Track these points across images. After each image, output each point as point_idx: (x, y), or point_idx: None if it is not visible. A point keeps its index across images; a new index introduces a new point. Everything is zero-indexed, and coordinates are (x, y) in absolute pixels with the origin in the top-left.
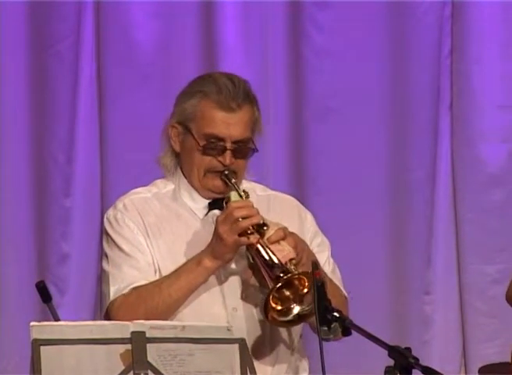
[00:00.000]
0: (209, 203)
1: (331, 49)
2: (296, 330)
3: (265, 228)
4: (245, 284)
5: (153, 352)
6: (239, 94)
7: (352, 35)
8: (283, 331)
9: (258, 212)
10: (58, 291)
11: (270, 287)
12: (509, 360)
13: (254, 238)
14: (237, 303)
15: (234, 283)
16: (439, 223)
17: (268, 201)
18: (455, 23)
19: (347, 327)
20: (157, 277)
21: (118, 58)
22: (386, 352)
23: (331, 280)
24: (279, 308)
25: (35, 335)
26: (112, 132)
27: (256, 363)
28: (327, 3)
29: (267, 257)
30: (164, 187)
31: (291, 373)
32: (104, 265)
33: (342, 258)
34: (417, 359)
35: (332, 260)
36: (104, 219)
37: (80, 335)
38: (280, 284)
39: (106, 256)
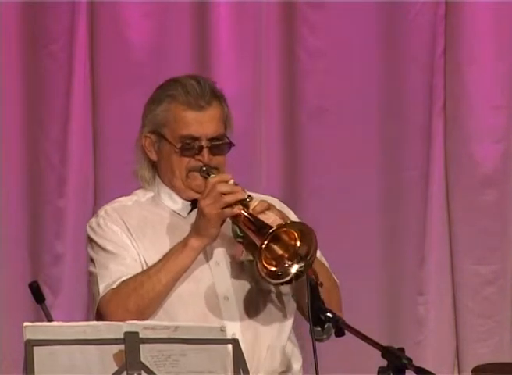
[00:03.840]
0: (191, 202)
1: (324, 50)
2: (289, 322)
3: (248, 200)
4: (235, 268)
5: (146, 353)
6: (206, 92)
7: (345, 36)
8: (277, 320)
9: (242, 189)
10: (51, 292)
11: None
12: (502, 360)
13: (237, 209)
14: (228, 292)
15: (223, 268)
16: (432, 224)
17: None
18: (448, 23)
19: (341, 328)
20: None
21: (111, 59)
22: (380, 353)
23: (321, 263)
24: (273, 269)
25: (28, 336)
26: (105, 132)
27: (249, 352)
28: (320, 4)
29: (255, 223)
30: (143, 195)
31: (285, 363)
32: (92, 268)
33: (335, 259)
34: (410, 360)
35: (319, 251)
36: (87, 228)
37: (73, 336)
38: (268, 240)
39: (92, 261)
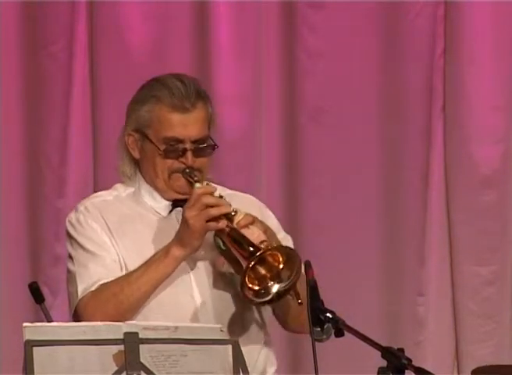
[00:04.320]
0: (172, 202)
1: (324, 51)
2: (265, 328)
3: (233, 214)
4: (215, 276)
5: (146, 353)
6: (191, 93)
7: (345, 36)
8: (253, 327)
9: (227, 202)
10: (50, 292)
11: (244, 266)
12: (501, 362)
13: (223, 223)
14: (206, 297)
15: (203, 276)
16: (432, 224)
17: (230, 200)
18: (448, 24)
19: (340, 328)
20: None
21: (111, 60)
22: (379, 353)
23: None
24: (256, 288)
25: (28, 336)
26: (105, 133)
27: None
28: (320, 4)
29: (239, 240)
30: (124, 190)
31: (259, 368)
32: (70, 266)
33: (335, 259)
34: (410, 360)
35: (283, 233)
36: (66, 223)
37: (73, 336)
38: (254, 262)
39: (71, 258)
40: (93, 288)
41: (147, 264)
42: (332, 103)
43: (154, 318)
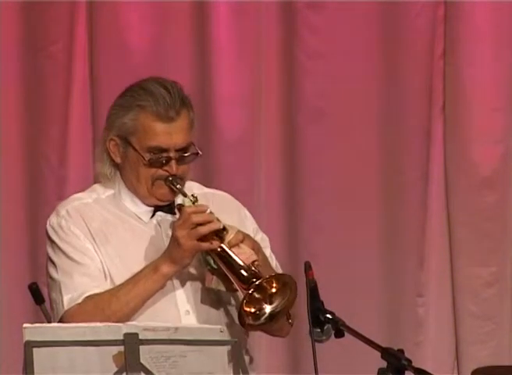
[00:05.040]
0: (154, 208)
1: (324, 52)
2: (247, 336)
3: (225, 232)
4: (200, 288)
5: (146, 354)
6: (175, 101)
7: (345, 38)
8: (236, 334)
9: (217, 218)
10: None
11: (241, 291)
12: (501, 363)
13: (215, 244)
14: (189, 306)
15: (188, 287)
16: (431, 226)
17: (206, 199)
18: (448, 25)
19: (340, 329)
20: (108, 283)
21: (111, 60)
22: (379, 354)
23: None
24: (252, 310)
25: (28, 337)
26: None
27: None
28: (320, 5)
29: (232, 261)
30: (103, 192)
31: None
32: (53, 273)
33: (334, 260)
34: (409, 361)
35: (273, 255)
36: (47, 226)
37: (73, 337)
38: (253, 290)
39: (54, 264)
40: (79, 300)
41: (135, 279)
42: (331, 104)
43: None
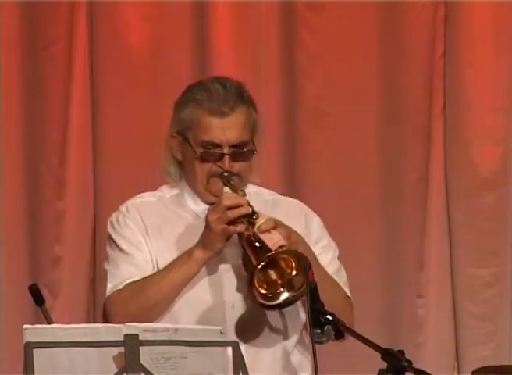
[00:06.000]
0: (211, 205)
1: (323, 52)
2: (297, 328)
3: (255, 217)
4: (245, 278)
5: (146, 355)
6: (230, 97)
7: (345, 38)
8: (281, 330)
9: (248, 203)
10: (50, 294)
11: (254, 265)
12: (501, 363)
13: (241, 227)
14: (235, 300)
15: (233, 279)
16: (431, 226)
17: (275, 205)
18: (448, 26)
19: (340, 330)
20: None
21: (110, 61)
22: (379, 355)
23: (333, 279)
24: (264, 291)
25: (28, 338)
26: (104, 135)
27: (252, 362)
28: (320, 6)
29: (256, 244)
30: (168, 192)
31: (290, 372)
32: (105, 265)
33: None
34: (410, 362)
35: (338, 262)
36: (108, 223)
37: (73, 338)
38: (264, 263)
39: (107, 256)
40: (120, 287)
41: (170, 266)
42: (331, 104)
43: (179, 317)
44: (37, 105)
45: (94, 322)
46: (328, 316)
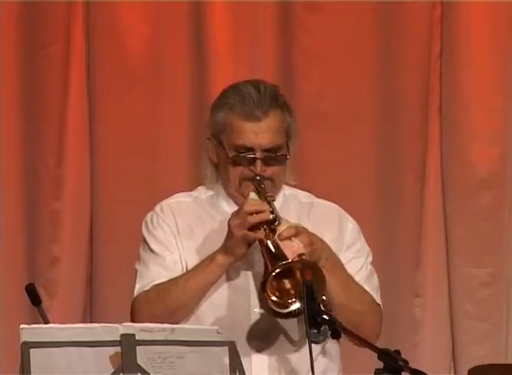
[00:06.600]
0: None
1: (320, 53)
2: None
3: (276, 224)
4: None
5: (142, 355)
6: (264, 101)
7: (342, 39)
8: (304, 335)
9: (271, 210)
10: (47, 294)
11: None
12: (498, 362)
13: (260, 233)
14: (262, 302)
15: (258, 283)
16: (428, 226)
17: (311, 208)
18: (444, 27)
19: (337, 330)
20: None
21: (107, 61)
22: (376, 355)
23: (358, 286)
24: (275, 299)
25: (25, 338)
26: (101, 135)
27: (275, 366)
28: (317, 7)
29: (274, 251)
30: (205, 193)
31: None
32: (136, 265)
33: None
34: (406, 362)
35: (370, 267)
36: (143, 223)
37: (70, 337)
38: (278, 271)
39: (139, 257)
40: (147, 288)
41: (195, 269)
42: (328, 105)
43: (204, 319)
44: (35, 105)
45: (91, 322)
46: (324, 316)
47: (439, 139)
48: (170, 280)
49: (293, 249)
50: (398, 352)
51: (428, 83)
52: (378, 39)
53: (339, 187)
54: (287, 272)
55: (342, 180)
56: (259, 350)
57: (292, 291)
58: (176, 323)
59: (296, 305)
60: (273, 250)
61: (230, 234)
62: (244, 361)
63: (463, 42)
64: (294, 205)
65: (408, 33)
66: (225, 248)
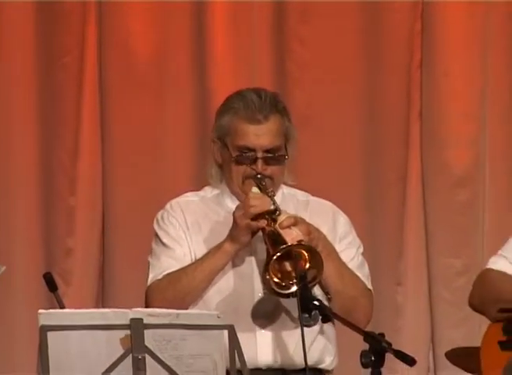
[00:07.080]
0: None
1: (312, 62)
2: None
3: (277, 214)
4: None
5: (150, 337)
6: (265, 106)
7: (330, 48)
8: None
9: (272, 202)
10: (63, 282)
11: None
12: (473, 345)
13: (263, 222)
14: (264, 291)
15: (261, 270)
16: (409, 221)
17: (307, 205)
18: (424, 39)
19: (326, 314)
20: None
21: (117, 69)
22: (362, 337)
23: (351, 272)
24: (277, 280)
25: (42, 321)
26: (112, 136)
27: (277, 347)
28: (308, 19)
29: (275, 238)
30: (211, 191)
31: (316, 356)
32: (149, 258)
33: None
34: (390, 344)
35: (361, 257)
36: (155, 220)
37: (84, 321)
38: (279, 253)
39: (151, 250)
40: (159, 277)
41: (203, 257)
42: (318, 110)
43: (211, 304)
44: (52, 110)
45: (103, 307)
46: (315, 302)
47: (419, 142)
48: (180, 269)
49: (292, 236)
50: (382, 335)
51: (410, 91)
52: (365, 50)
53: (327, 185)
54: (287, 256)
55: (330, 179)
56: (263, 327)
57: (293, 274)
58: (186, 308)
59: (296, 287)
60: (274, 237)
61: (235, 224)
62: (249, 336)
63: (441, 53)
64: (292, 203)
65: (391, 44)
66: (231, 237)
